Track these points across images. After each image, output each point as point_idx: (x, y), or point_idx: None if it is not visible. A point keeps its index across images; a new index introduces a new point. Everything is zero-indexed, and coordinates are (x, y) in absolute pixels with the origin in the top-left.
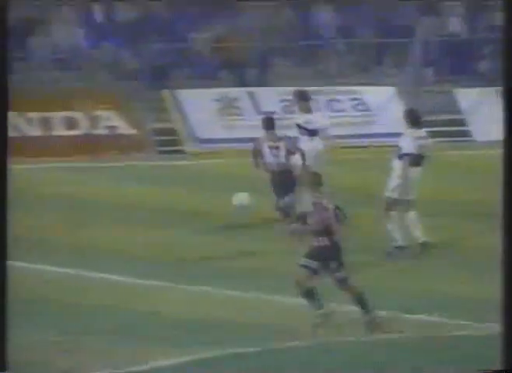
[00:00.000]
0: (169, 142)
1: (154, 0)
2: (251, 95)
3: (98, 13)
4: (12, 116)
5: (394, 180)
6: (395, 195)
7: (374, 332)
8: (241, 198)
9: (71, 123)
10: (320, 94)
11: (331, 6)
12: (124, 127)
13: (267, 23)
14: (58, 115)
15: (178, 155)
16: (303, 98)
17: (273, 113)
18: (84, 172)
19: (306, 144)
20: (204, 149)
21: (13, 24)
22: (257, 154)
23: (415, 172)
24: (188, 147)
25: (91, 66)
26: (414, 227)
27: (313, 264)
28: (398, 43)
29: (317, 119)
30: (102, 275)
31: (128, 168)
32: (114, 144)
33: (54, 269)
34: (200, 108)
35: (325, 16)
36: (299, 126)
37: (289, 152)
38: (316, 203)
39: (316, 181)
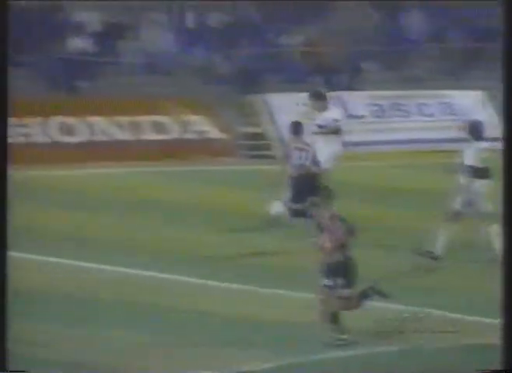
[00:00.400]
0: (258, 146)
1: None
2: (340, 100)
3: (189, 17)
4: (102, 121)
5: (458, 192)
6: (457, 206)
7: None
8: (277, 206)
9: (160, 128)
10: (409, 98)
11: (420, 9)
12: (213, 132)
13: (356, 27)
14: (148, 119)
15: (267, 160)
16: (319, 98)
17: (361, 116)
18: (173, 176)
19: (326, 146)
20: None
21: (103, 28)
22: (284, 156)
23: (481, 184)
24: (277, 151)
25: (181, 71)
26: (495, 240)
27: (336, 282)
28: (488, 47)
29: (333, 115)
30: (201, 281)
31: (217, 172)
32: (204, 148)
33: (150, 274)
34: (289, 112)
35: (414, 19)
36: (319, 126)
37: (315, 160)
38: (333, 217)
39: (329, 195)
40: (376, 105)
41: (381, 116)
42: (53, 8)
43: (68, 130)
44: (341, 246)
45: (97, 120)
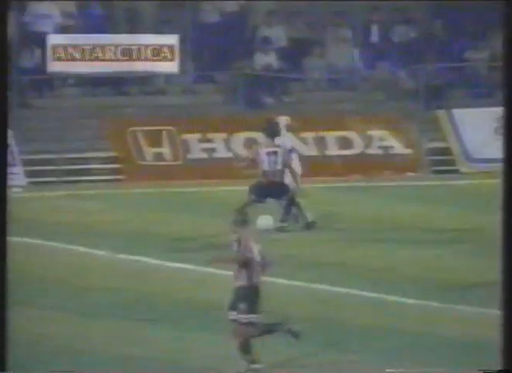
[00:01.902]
0: (442, 162)
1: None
2: None
3: (373, 33)
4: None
5: None
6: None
7: None
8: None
9: (345, 143)
10: None
11: None
12: (398, 147)
13: None
14: (333, 135)
15: (452, 175)
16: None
17: None
18: (357, 191)
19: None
20: (479, 169)
21: (289, 44)
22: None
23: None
24: (463, 166)
25: (366, 86)
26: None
27: (239, 306)
28: None
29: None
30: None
31: (401, 187)
32: (388, 164)
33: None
34: (475, 128)
35: None
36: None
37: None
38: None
39: (244, 217)
40: None
41: None
42: (240, 25)
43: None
44: (246, 270)
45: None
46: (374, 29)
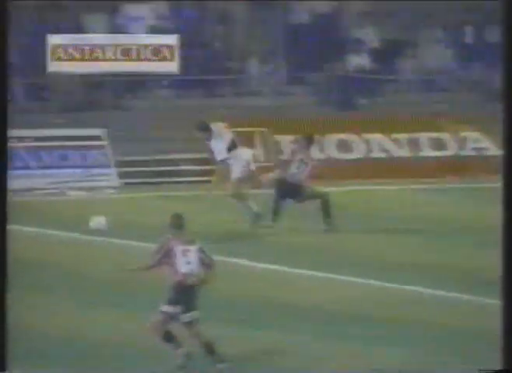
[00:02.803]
0: None
1: None
2: None
3: (467, 33)
4: (379, 138)
5: None
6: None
7: None
8: (98, 221)
9: (438, 145)
10: None
11: None
12: (491, 149)
13: None
14: (425, 136)
15: None
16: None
17: None
18: (450, 193)
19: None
20: None
21: (381, 46)
22: None
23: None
24: None
25: (459, 87)
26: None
27: (174, 309)
28: None
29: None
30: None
31: (495, 190)
32: (482, 165)
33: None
34: None
35: None
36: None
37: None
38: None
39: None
40: None
41: None
42: (332, 26)
43: (345, 147)
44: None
45: (374, 137)
46: (468, 29)
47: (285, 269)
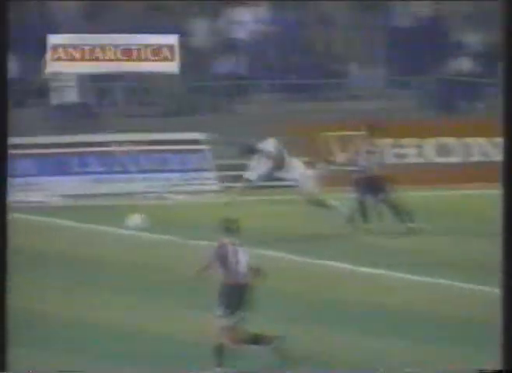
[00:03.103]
0: None
1: None
2: None
3: None
4: (480, 142)
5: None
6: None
7: None
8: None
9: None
10: None
11: None
12: None
13: None
14: (476, 141)
15: None
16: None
17: None
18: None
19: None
20: None
21: (484, 49)
22: None
23: None
24: None
25: None
26: None
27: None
28: None
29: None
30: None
31: None
32: None
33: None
34: None
35: None
36: None
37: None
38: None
39: (232, 226)
40: None
41: None
42: (434, 29)
43: (445, 151)
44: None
45: (475, 141)
46: None
47: (382, 272)
